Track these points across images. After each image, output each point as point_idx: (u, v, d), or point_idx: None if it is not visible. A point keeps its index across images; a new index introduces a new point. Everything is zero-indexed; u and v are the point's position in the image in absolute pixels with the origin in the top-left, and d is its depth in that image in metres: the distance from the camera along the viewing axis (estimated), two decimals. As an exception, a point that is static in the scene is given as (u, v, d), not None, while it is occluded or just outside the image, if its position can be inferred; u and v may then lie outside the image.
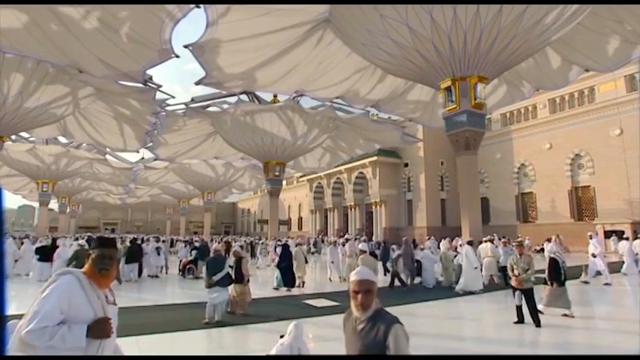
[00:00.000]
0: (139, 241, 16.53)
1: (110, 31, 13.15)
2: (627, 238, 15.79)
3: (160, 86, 17.34)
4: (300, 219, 58.96)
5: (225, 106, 23.06)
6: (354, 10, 13.66)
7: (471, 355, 5.50)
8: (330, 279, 14.00)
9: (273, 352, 3.47)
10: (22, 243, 17.70)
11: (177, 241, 21.92)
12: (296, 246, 14.29)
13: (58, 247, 13.99)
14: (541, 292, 7.99)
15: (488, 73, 15.25)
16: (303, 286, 12.26)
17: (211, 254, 8.43)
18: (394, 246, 14.85)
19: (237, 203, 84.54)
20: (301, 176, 53.10)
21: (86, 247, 13.55)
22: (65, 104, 20.99)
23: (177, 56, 14.00)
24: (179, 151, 29.19)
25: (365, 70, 18.73)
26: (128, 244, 14.63)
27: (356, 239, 18.73)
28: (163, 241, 17.68)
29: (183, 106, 21.97)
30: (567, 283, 7.74)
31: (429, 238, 22.77)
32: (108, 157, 36.07)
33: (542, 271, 8.16)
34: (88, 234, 30.53)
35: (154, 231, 60.13)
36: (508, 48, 14.14)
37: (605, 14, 15.01)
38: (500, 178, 35.64)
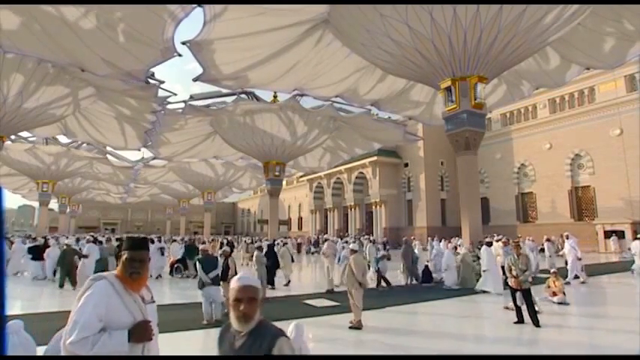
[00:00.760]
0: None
1: (112, 30, 13.18)
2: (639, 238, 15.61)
3: (163, 82, 17.31)
4: (300, 219, 58.96)
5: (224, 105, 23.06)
6: (354, 10, 13.66)
7: (471, 355, 5.49)
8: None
9: (273, 352, 3.46)
10: (13, 243, 17.73)
11: (172, 241, 21.43)
12: (283, 245, 14.52)
13: (49, 246, 14.21)
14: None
15: (488, 73, 15.25)
16: (288, 284, 12.51)
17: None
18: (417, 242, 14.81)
19: (237, 203, 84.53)
20: (301, 176, 53.09)
21: (73, 246, 13.78)
22: (65, 104, 21.00)
23: (180, 55, 14.06)
24: (178, 150, 29.20)
25: (365, 69, 18.73)
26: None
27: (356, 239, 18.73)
28: (174, 241, 17.67)
29: (182, 104, 21.93)
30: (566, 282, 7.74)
31: (434, 238, 22.65)
32: (108, 156, 36.06)
33: (547, 271, 8.17)
34: (91, 233, 30.40)
35: (154, 231, 60.14)
36: (508, 47, 14.14)
37: (605, 13, 15.00)
38: (500, 178, 35.64)
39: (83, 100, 21.47)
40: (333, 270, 12.09)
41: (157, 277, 14.29)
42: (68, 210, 53.91)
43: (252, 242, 19.37)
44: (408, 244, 13.24)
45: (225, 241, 24.73)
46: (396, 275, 13.48)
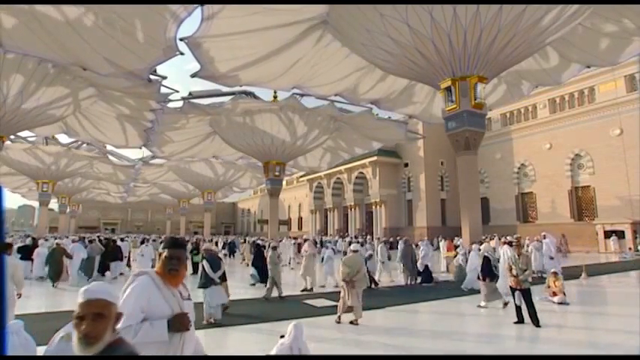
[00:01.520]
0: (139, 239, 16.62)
1: (114, 29, 13.24)
2: None
3: (165, 78, 17.29)
4: (300, 219, 58.97)
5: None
6: (353, 10, 13.68)
7: (471, 355, 5.49)
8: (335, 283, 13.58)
9: (273, 352, 3.47)
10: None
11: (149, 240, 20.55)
12: (271, 248, 14.52)
13: (37, 246, 14.42)
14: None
15: (488, 73, 15.26)
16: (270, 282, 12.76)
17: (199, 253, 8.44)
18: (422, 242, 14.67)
19: (237, 203, 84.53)
20: (301, 176, 53.10)
21: (62, 245, 13.87)
22: (65, 105, 21.01)
23: (182, 53, 14.13)
24: (178, 149, 29.17)
25: (365, 68, 18.74)
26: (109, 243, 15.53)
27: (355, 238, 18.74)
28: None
29: (181, 102, 21.79)
30: (566, 282, 7.75)
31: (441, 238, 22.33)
32: (108, 155, 36.07)
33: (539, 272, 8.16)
34: (97, 234, 30.33)
35: (154, 231, 60.16)
36: (508, 47, 14.15)
37: (605, 11, 14.97)
38: (500, 178, 35.64)
39: (84, 100, 21.49)
40: (314, 268, 12.12)
41: None
42: (68, 210, 53.90)
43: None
44: (407, 244, 13.24)
45: (217, 241, 24.71)
46: (397, 275, 13.49)
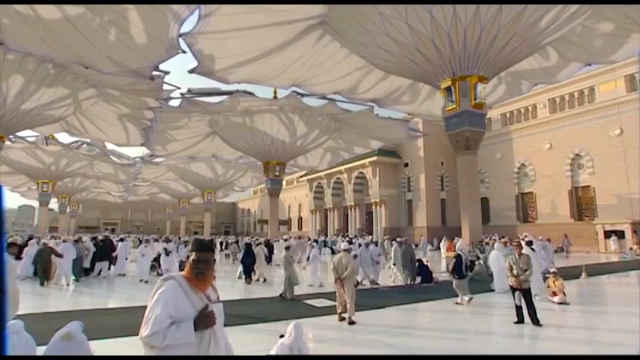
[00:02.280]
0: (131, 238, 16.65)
1: (118, 29, 13.32)
2: None
3: (168, 73, 17.33)
4: (300, 219, 58.96)
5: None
6: (352, 10, 13.69)
7: (472, 355, 5.49)
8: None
9: (273, 352, 3.47)
10: None
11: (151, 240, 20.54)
12: (257, 245, 14.92)
13: (27, 245, 14.59)
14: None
15: (488, 72, 15.27)
16: (264, 281, 13.27)
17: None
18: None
19: (237, 203, 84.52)
20: (301, 176, 53.10)
21: (50, 244, 13.91)
22: (66, 105, 21.03)
23: (184, 52, 14.33)
24: (177, 148, 29.15)
25: (365, 68, 18.76)
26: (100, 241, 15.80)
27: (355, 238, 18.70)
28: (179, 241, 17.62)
29: (181, 99, 21.60)
30: (566, 282, 7.75)
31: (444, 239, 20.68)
32: (109, 154, 36.07)
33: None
34: (103, 233, 30.29)
35: (154, 231, 60.16)
36: (508, 46, 14.16)
37: (603, 9, 14.95)
38: (501, 178, 35.63)
39: (84, 100, 21.52)
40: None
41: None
42: (68, 210, 53.92)
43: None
44: (407, 244, 13.22)
45: (221, 241, 24.48)
46: (397, 275, 13.46)
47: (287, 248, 10.88)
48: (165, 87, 18.73)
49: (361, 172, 42.13)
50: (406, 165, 40.25)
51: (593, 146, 28.78)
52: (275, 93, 24.45)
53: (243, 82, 18.41)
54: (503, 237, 16.22)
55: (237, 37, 14.79)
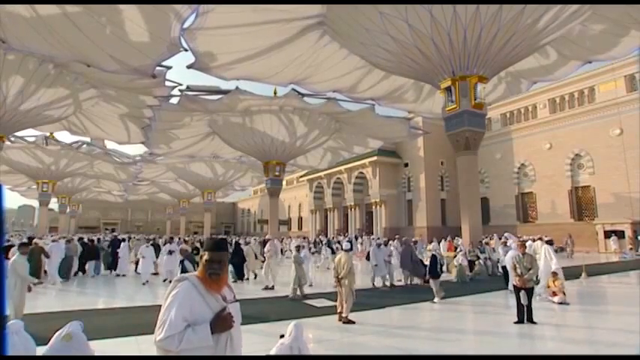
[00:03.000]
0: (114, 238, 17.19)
1: (119, 27, 13.44)
2: None
3: (170, 67, 17.32)
4: (300, 219, 58.95)
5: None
6: (351, 9, 13.70)
7: (471, 355, 5.50)
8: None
9: (273, 352, 3.46)
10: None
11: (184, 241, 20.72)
12: (246, 244, 15.08)
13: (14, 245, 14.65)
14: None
15: (488, 71, 15.27)
16: (255, 278, 13.47)
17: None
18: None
19: (237, 203, 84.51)
20: (301, 176, 53.10)
21: (40, 244, 13.96)
22: (66, 105, 21.03)
23: (186, 50, 14.45)
24: (177, 147, 29.10)
25: (365, 67, 18.77)
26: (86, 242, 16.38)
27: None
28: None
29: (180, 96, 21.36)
30: (565, 282, 7.74)
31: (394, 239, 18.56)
32: (109, 153, 36.05)
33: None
34: (109, 234, 30.09)
35: (154, 231, 60.17)
36: (508, 45, 14.15)
37: (604, 9, 14.93)
38: (500, 178, 35.62)
39: (85, 101, 21.52)
40: (274, 268, 12.44)
41: (164, 281, 13.50)
42: (68, 210, 53.91)
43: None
44: (407, 244, 13.22)
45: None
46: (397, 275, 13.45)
47: (297, 248, 10.94)
48: (167, 84, 18.77)
49: (361, 172, 42.12)
50: (406, 165, 40.24)
51: (593, 146, 28.78)
52: (275, 92, 24.41)
53: (242, 78, 18.37)
54: (503, 237, 16.25)
55: (235, 34, 14.83)
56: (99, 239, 19.88)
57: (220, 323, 1.99)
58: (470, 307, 9.34)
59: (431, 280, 9.66)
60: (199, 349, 1.94)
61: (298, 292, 9.95)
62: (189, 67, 16.11)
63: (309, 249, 11.29)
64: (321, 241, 26.77)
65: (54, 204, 49.63)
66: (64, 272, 13.61)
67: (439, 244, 18.39)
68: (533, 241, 12.82)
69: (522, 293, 7.01)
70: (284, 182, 35.24)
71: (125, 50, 14.34)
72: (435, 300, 9.30)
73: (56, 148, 33.19)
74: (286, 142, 25.69)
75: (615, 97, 27.67)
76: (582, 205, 30.12)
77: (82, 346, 2.78)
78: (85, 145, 34.67)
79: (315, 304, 9.16)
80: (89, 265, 15.22)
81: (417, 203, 38.40)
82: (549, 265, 9.62)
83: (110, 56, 14.71)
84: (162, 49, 14.33)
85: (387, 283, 12.01)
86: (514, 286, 7.25)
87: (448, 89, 15.70)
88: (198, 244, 17.19)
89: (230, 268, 13.21)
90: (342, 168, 43.30)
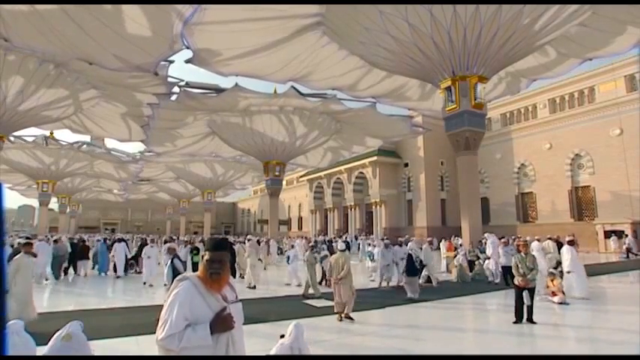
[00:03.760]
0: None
1: (122, 26, 13.50)
2: None
3: (172, 62, 17.33)
4: (300, 219, 58.95)
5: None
6: (351, 9, 13.71)
7: (472, 355, 5.49)
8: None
9: (273, 352, 3.46)
10: None
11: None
12: (235, 243, 15.04)
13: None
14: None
15: (488, 70, 15.27)
16: (242, 277, 13.27)
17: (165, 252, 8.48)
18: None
19: (237, 203, 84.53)
20: (301, 176, 53.11)
21: (24, 243, 13.93)
22: (66, 105, 21.04)
23: (188, 47, 14.56)
24: (176, 146, 29.07)
25: (365, 67, 18.76)
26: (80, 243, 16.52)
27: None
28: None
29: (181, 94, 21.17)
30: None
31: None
32: (110, 152, 36.04)
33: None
34: (118, 235, 30.01)
35: (154, 231, 60.17)
36: (508, 43, 14.15)
37: (604, 9, 14.91)
38: (500, 178, 35.63)
39: (85, 101, 21.52)
40: (255, 268, 12.53)
41: (164, 285, 13.69)
42: (68, 210, 53.91)
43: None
44: (393, 244, 13.18)
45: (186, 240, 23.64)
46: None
47: (311, 248, 10.97)
48: (168, 80, 18.79)
49: (361, 172, 42.12)
50: (406, 165, 40.24)
51: (593, 146, 28.79)
52: (275, 91, 24.42)
53: (240, 74, 18.33)
54: (502, 237, 16.23)
55: (233, 30, 14.85)
56: (120, 240, 19.98)
57: (220, 323, 1.99)
58: (470, 307, 9.34)
59: (405, 278, 9.89)
60: (200, 348, 1.95)
61: (314, 292, 10.00)
62: (187, 61, 16.11)
63: (311, 249, 11.17)
64: (324, 241, 26.78)
65: (54, 204, 49.65)
66: (56, 272, 13.71)
67: (439, 244, 18.40)
68: (538, 240, 12.83)
69: (526, 293, 6.99)
70: (284, 182, 35.27)
71: (127, 48, 14.44)
72: (409, 295, 9.56)
73: (56, 147, 33.18)
74: (286, 142, 25.68)
75: (615, 97, 27.67)
76: (582, 205, 30.12)
77: (82, 346, 2.78)
78: (84, 146, 34.69)
79: (315, 304, 9.16)
80: (80, 265, 15.31)
81: (417, 203, 38.40)
82: (576, 264, 9.46)
83: (112, 54, 14.84)
84: (165, 47, 14.48)
85: (391, 283, 12.04)
86: (516, 286, 7.21)
87: (448, 89, 15.71)
88: (199, 244, 17.18)
89: None
90: (342, 168, 43.31)
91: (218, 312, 2.02)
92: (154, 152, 31.36)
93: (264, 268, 17.32)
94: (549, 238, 15.15)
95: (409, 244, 13.49)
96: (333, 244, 21.19)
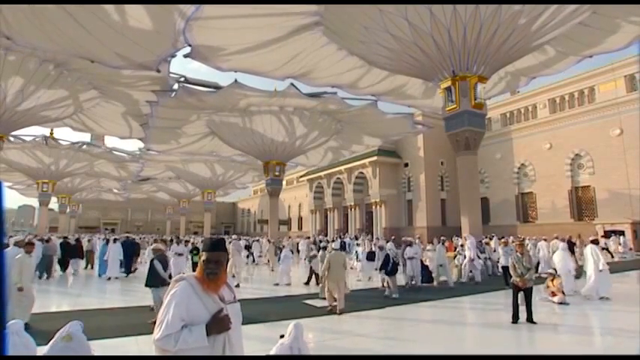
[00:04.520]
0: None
1: (124, 24, 13.58)
2: None
3: (174, 56, 17.30)
4: (300, 219, 58.95)
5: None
6: (350, 8, 13.72)
7: (472, 355, 5.50)
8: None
9: (273, 352, 3.47)
10: None
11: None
12: (229, 243, 14.83)
13: None
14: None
15: (487, 69, 15.30)
16: (233, 277, 13.24)
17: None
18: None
19: (238, 203, 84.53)
20: (301, 176, 53.10)
21: (26, 242, 13.94)
22: (66, 105, 21.03)
23: (190, 45, 14.65)
24: (176, 145, 29.03)
25: (365, 66, 18.76)
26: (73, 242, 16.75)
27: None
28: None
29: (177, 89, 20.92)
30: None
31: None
32: (110, 151, 36.02)
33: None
34: (124, 234, 29.84)
35: (154, 231, 60.18)
36: (508, 42, 14.18)
37: (604, 8, 14.89)
38: (500, 178, 35.63)
39: (85, 102, 21.53)
40: (239, 267, 12.96)
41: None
42: (68, 210, 53.90)
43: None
44: (406, 244, 13.20)
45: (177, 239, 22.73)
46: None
47: (324, 249, 11.09)
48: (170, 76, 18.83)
49: (361, 172, 42.12)
50: (406, 165, 40.24)
51: (593, 146, 28.79)
52: (275, 91, 24.33)
53: (239, 70, 18.25)
54: (502, 237, 16.25)
55: (232, 26, 14.85)
56: (115, 240, 19.94)
57: (216, 324, 1.99)
58: (470, 307, 9.34)
59: (381, 275, 10.38)
60: (196, 349, 1.95)
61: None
62: (186, 56, 16.07)
63: (324, 248, 11.24)
64: (315, 242, 26.74)
65: (54, 204, 49.65)
66: (44, 271, 13.80)
67: (439, 244, 18.34)
68: (538, 241, 12.80)
69: (520, 294, 7.01)
70: (284, 182, 35.27)
71: (129, 46, 14.47)
72: (391, 294, 9.94)
73: (56, 147, 33.17)
74: (286, 143, 25.65)
75: (615, 97, 27.67)
76: (582, 205, 30.13)
77: (82, 346, 2.79)
78: (84, 147, 34.67)
79: (315, 304, 9.16)
80: (72, 263, 15.46)
81: (417, 203, 38.39)
82: (598, 265, 9.25)
83: (114, 52, 14.91)
84: (167, 45, 14.57)
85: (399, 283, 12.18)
86: (514, 286, 7.20)
87: (448, 89, 15.71)
88: (200, 245, 17.15)
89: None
90: (342, 168, 43.30)
91: (214, 313, 2.01)
92: (154, 150, 31.25)
93: (272, 270, 17.34)
94: (556, 237, 15.24)
95: (388, 244, 13.62)
96: (286, 246, 21.09)
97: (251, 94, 20.72)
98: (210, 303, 2.05)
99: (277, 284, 12.60)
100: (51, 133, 32.54)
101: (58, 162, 34.91)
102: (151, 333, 2.02)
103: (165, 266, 7.74)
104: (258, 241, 23.49)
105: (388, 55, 15.64)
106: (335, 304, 7.97)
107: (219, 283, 2.11)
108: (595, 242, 9.96)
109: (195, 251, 15.22)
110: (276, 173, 28.39)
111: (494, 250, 15.08)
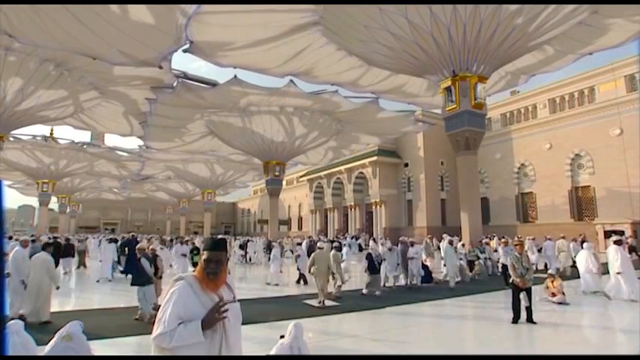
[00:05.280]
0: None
1: (126, 23, 13.61)
2: None
3: (175, 50, 17.27)
4: (300, 219, 58.95)
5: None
6: (350, 8, 13.73)
7: (472, 355, 5.50)
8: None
9: (273, 352, 3.46)
10: None
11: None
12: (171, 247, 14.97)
13: None
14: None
15: (487, 68, 15.30)
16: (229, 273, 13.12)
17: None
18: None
19: (238, 203, 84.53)
20: (301, 176, 53.10)
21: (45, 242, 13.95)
22: (66, 105, 21.03)
23: (192, 42, 14.75)
24: (175, 144, 29.02)
25: (363, 67, 18.76)
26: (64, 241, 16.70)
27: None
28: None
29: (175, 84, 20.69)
30: (565, 283, 7.73)
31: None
32: (111, 150, 36.01)
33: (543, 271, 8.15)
34: (128, 234, 29.80)
35: (154, 231, 60.18)
36: (507, 40, 14.19)
37: (604, 8, 14.87)
38: (500, 178, 35.63)
39: (85, 102, 21.53)
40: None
41: None
42: (68, 210, 53.89)
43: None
44: (405, 243, 13.19)
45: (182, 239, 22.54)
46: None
47: (336, 248, 11.08)
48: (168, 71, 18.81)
49: (361, 172, 42.12)
50: (406, 165, 40.24)
51: (593, 146, 28.78)
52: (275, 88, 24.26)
53: (239, 67, 18.19)
54: (503, 237, 16.24)
55: (231, 22, 14.84)
56: (111, 240, 19.84)
57: (210, 317, 1.99)
58: (470, 307, 9.34)
59: (368, 276, 10.42)
60: (193, 347, 1.95)
61: (339, 290, 10.13)
62: (185, 51, 16.02)
63: (335, 248, 11.29)
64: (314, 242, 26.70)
65: (54, 204, 49.65)
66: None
67: (440, 244, 18.37)
68: (575, 241, 12.72)
69: (523, 294, 6.99)
70: (284, 182, 35.26)
71: (131, 43, 14.51)
72: (372, 292, 10.19)
73: (56, 147, 33.18)
74: (286, 143, 25.65)
75: (615, 97, 27.66)
76: (582, 205, 30.12)
77: (82, 346, 2.79)
78: (84, 147, 34.68)
79: (315, 304, 9.16)
80: (63, 263, 15.26)
81: (417, 203, 38.39)
82: (626, 264, 9.21)
83: (117, 49, 14.95)
84: (169, 42, 14.62)
85: (398, 283, 12.21)
86: (514, 286, 7.18)
87: (448, 89, 15.71)
88: (200, 244, 17.11)
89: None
90: (342, 168, 43.31)
91: (211, 307, 2.03)
92: (153, 148, 31.16)
93: (281, 271, 17.27)
94: (562, 237, 15.25)
95: (370, 244, 13.91)
96: (275, 245, 20.96)
97: (250, 90, 20.51)
98: (208, 302, 2.05)
99: (269, 283, 12.76)
100: (51, 133, 32.58)
101: (58, 162, 34.92)
102: (151, 333, 2.02)
103: (151, 264, 7.81)
104: (251, 241, 23.44)
105: (388, 54, 15.65)
106: (323, 299, 8.75)
107: (218, 282, 2.12)
108: (618, 242, 9.70)
109: (195, 251, 15.23)
110: (276, 173, 28.39)
111: (495, 250, 15.09)
